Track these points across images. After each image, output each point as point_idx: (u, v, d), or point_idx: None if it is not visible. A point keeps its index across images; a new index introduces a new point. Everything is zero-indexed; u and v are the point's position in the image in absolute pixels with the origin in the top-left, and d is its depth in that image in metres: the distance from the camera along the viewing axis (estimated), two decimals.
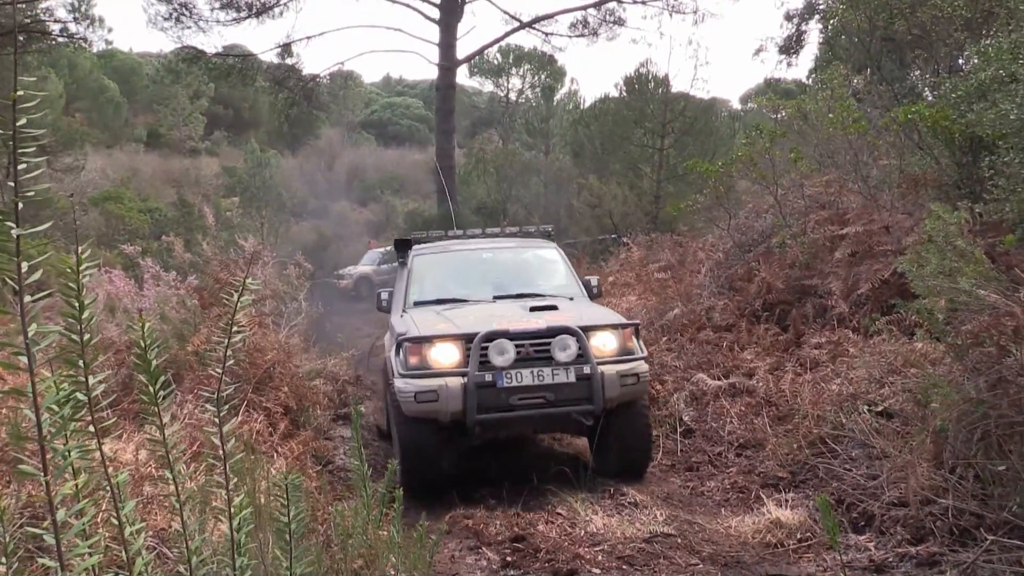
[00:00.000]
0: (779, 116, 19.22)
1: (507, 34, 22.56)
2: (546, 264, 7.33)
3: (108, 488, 1.40)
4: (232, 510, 1.56)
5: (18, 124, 1.00)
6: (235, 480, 1.62)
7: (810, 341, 7.04)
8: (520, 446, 6.99)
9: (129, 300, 6.42)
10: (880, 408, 5.08)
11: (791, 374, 6.58)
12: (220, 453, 1.60)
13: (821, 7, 19.35)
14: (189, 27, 20.15)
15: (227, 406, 6.34)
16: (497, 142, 30.63)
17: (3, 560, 1.74)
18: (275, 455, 5.22)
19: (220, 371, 1.58)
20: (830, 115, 8.86)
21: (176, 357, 5.93)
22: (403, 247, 7.40)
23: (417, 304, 6.58)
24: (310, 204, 28.18)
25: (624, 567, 4.26)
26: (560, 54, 55.27)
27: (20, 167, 1.01)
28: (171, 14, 20.04)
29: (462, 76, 40.10)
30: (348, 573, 2.12)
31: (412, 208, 25.18)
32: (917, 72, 13.10)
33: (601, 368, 5.50)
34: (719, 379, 7.13)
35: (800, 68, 45.54)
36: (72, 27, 20.75)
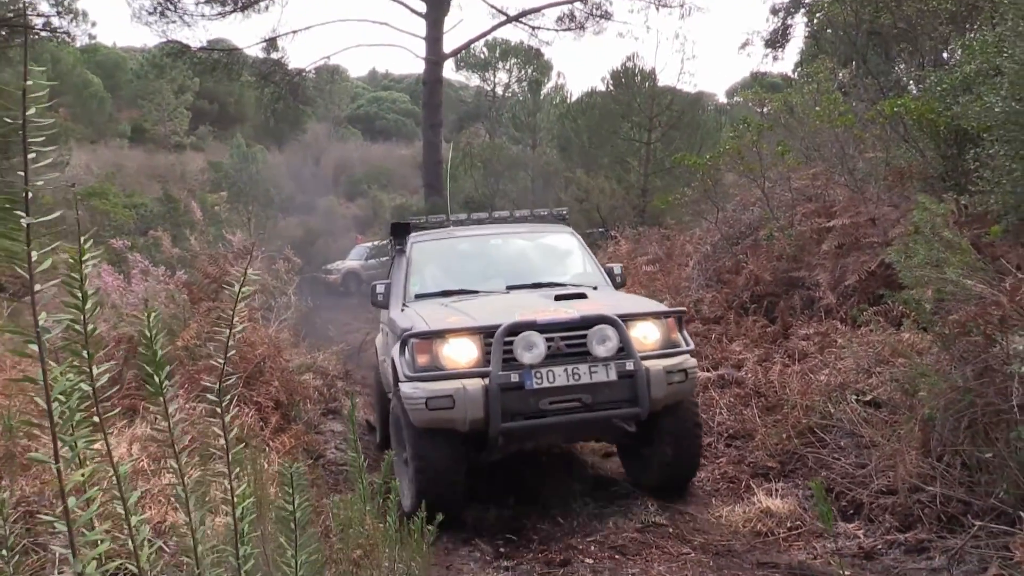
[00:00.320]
0: (765, 110, 19.36)
1: (494, 28, 22.56)
2: (563, 250, 6.55)
3: (111, 479, 1.41)
4: (235, 499, 1.57)
5: (27, 113, 1.01)
6: (237, 470, 1.63)
7: (798, 332, 7.09)
8: (531, 460, 6.16)
9: (118, 295, 6.39)
10: (868, 398, 5.13)
11: (779, 365, 6.63)
12: (222, 443, 1.61)
13: (807, 1, 19.43)
14: (174, 21, 20.02)
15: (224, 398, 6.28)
16: (484, 136, 30.62)
17: (3, 553, 1.75)
18: (267, 449, 5.22)
19: (223, 360, 1.59)
20: (817, 108, 8.91)
21: (167, 352, 5.90)
22: (401, 233, 6.56)
23: (419, 297, 5.82)
24: (297, 199, 28.07)
25: (617, 557, 4.29)
26: (547, 48, 55.29)
27: (29, 156, 1.02)
28: (155, 8, 19.90)
29: (448, 70, 40.12)
30: (348, 563, 2.13)
31: (400, 203, 25.12)
32: (902, 66, 13.19)
33: (645, 364, 4.73)
34: (708, 371, 7.17)
35: (786, 62, 45.82)
36: (55, 21, 20.59)
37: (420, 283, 6.00)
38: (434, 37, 20.65)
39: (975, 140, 7.19)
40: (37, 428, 1.34)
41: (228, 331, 1.64)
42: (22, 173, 1.05)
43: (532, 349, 4.61)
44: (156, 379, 1.54)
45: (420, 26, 20.88)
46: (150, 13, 20.00)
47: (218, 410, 1.61)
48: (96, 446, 1.44)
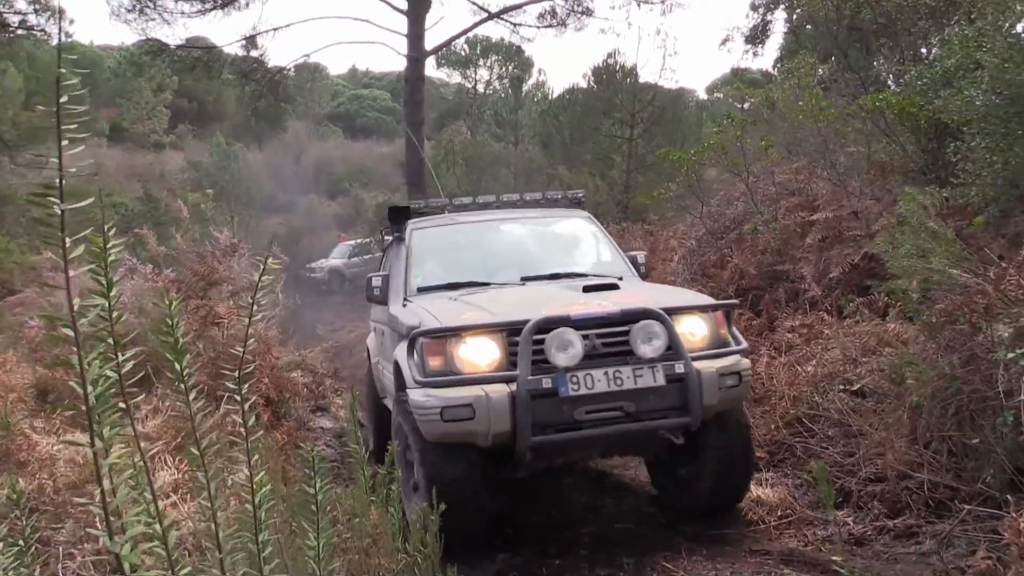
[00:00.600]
0: (745, 105, 19.52)
1: (475, 25, 22.49)
2: (581, 237, 5.89)
3: (137, 464, 1.43)
4: (254, 486, 1.59)
5: (61, 101, 1.03)
6: (256, 457, 1.65)
7: (784, 325, 7.17)
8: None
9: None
10: (855, 387, 5.21)
11: (766, 357, 6.70)
12: (241, 431, 1.63)
13: None
14: (153, 19, 19.81)
15: (206, 396, 6.24)
16: (466, 133, 30.63)
17: (21, 542, 1.76)
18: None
19: (242, 349, 1.61)
20: (799, 103, 9.00)
21: (156, 351, 5.89)
22: (399, 218, 5.81)
23: (422, 291, 5.20)
24: (278, 198, 27.96)
25: (611, 547, 4.34)
26: (528, 45, 55.37)
27: (63, 143, 1.03)
28: (134, 6, 19.69)
29: (429, 67, 39.98)
30: (359, 551, 2.16)
31: (382, 200, 25.06)
32: (882, 61, 13.34)
33: (695, 365, 4.10)
34: None
35: (766, 58, 46.08)
36: (32, 19, 20.37)
37: (422, 275, 5.36)
38: (416, 34, 20.57)
39: (955, 134, 7.30)
40: (34, 419, 1.35)
41: (248, 320, 1.66)
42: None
43: (567, 349, 3.94)
44: (177, 367, 1.56)
45: (402, 23, 20.82)
46: (129, 11, 19.79)
47: (237, 398, 1.63)
48: (129, 430, 1.46)
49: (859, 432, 4.81)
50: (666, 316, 4.10)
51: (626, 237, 12.51)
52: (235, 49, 21.90)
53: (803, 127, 9.48)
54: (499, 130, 30.12)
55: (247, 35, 20.97)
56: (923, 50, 12.07)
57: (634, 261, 5.70)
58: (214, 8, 20.52)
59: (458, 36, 23.46)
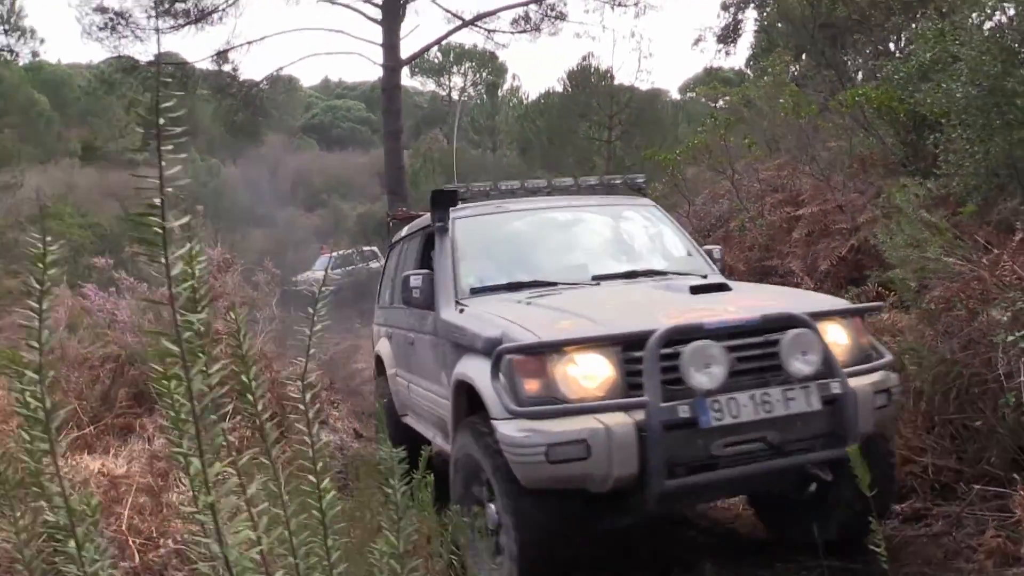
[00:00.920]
0: (720, 104, 19.74)
1: (450, 32, 22.57)
2: (651, 228, 5.07)
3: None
4: (321, 492, 1.64)
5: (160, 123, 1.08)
6: (326, 481, 1.69)
7: None
8: None
9: (103, 315, 6.35)
10: None
11: None
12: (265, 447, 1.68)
13: None
14: (126, 36, 19.74)
15: (218, 412, 6.25)
16: (443, 141, 30.69)
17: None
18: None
19: (305, 358, 1.65)
20: (780, 101, 9.15)
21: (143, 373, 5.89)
22: (443, 204, 4.80)
23: (477, 292, 4.37)
24: (257, 211, 27.87)
25: (624, 540, 4.40)
26: (501, 51, 55.45)
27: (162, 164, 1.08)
28: (107, 24, 19.62)
29: (403, 76, 40.02)
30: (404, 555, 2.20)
31: (362, 211, 25.08)
32: (856, 56, 13.57)
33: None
34: None
35: (738, 57, 46.61)
36: (2, 39, 20.23)
37: (474, 273, 4.52)
38: (391, 43, 20.62)
39: (933, 126, 7.47)
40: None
41: (309, 332, 1.71)
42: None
43: (710, 366, 3.16)
44: (246, 379, 1.60)
45: (376, 33, 20.86)
46: (101, 29, 19.72)
47: (304, 411, 1.67)
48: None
49: None
50: (813, 323, 3.36)
51: None
52: (208, 64, 21.86)
53: (782, 124, 9.65)
54: (476, 136, 30.21)
55: (221, 49, 20.94)
56: (892, 45, 12.32)
57: (710, 255, 4.94)
58: (187, 23, 20.48)
59: (433, 44, 23.51)
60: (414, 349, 5.08)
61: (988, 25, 6.95)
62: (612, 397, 3.18)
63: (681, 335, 3.21)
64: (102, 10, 19.57)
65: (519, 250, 4.76)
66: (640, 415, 3.09)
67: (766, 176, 9.32)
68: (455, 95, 38.40)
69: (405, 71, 23.16)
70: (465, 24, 21.93)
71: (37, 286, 1.33)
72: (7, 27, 19.32)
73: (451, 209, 4.85)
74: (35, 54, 40.46)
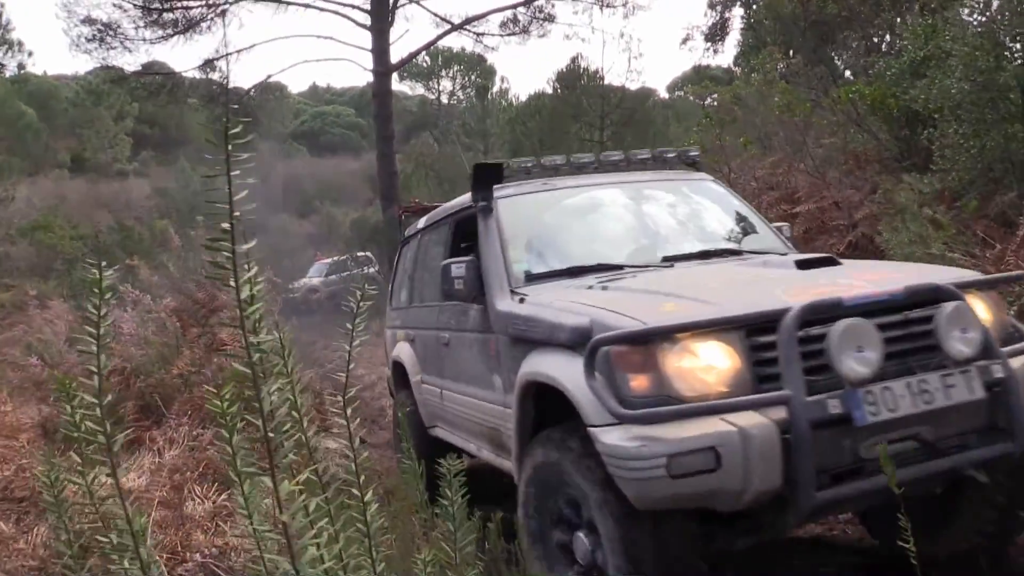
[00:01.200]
0: (708, 102, 19.84)
1: (439, 37, 22.59)
2: (716, 204, 4.53)
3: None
4: (365, 504, 1.66)
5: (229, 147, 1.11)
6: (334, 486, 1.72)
7: None
8: None
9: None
10: None
11: None
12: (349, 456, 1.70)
13: None
14: (114, 47, 19.67)
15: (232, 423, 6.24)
16: (433, 145, 30.72)
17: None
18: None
19: (346, 373, 1.68)
20: (775, 99, 9.22)
21: (163, 381, 5.91)
22: (486, 180, 4.25)
23: (533, 279, 3.81)
24: (249, 219, 27.79)
25: None
26: (491, 53, 55.51)
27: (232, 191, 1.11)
28: (95, 35, 19.54)
29: (392, 81, 40.04)
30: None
31: (355, 217, 25.05)
32: (844, 53, 13.66)
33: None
34: None
35: (726, 55, 46.73)
36: None
37: (527, 257, 4.01)
38: (381, 49, 20.63)
39: (926, 121, 7.55)
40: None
41: (348, 347, 1.73)
42: None
43: (863, 350, 2.60)
44: (292, 397, 1.62)
45: (366, 39, 20.87)
46: (89, 40, 19.65)
47: (347, 426, 1.70)
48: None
49: None
50: (963, 296, 2.82)
51: None
52: (196, 73, 21.83)
53: (775, 121, 9.72)
54: (468, 139, 30.25)
55: (210, 58, 20.92)
56: (877, 40, 12.41)
57: (780, 232, 4.47)
58: (176, 33, 20.43)
59: (423, 49, 23.54)
60: (450, 351, 4.52)
61: (976, 18, 7.02)
62: (737, 393, 2.60)
63: (819, 313, 2.66)
64: (90, 21, 19.51)
65: (574, 231, 4.22)
66: (777, 413, 2.53)
67: (761, 174, 9.38)
68: (444, 99, 38.47)
69: (394, 76, 23.15)
70: (454, 28, 21.97)
71: (94, 311, 1.35)
72: None
73: (500, 186, 4.29)
74: (21, 66, 40.43)
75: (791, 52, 14.61)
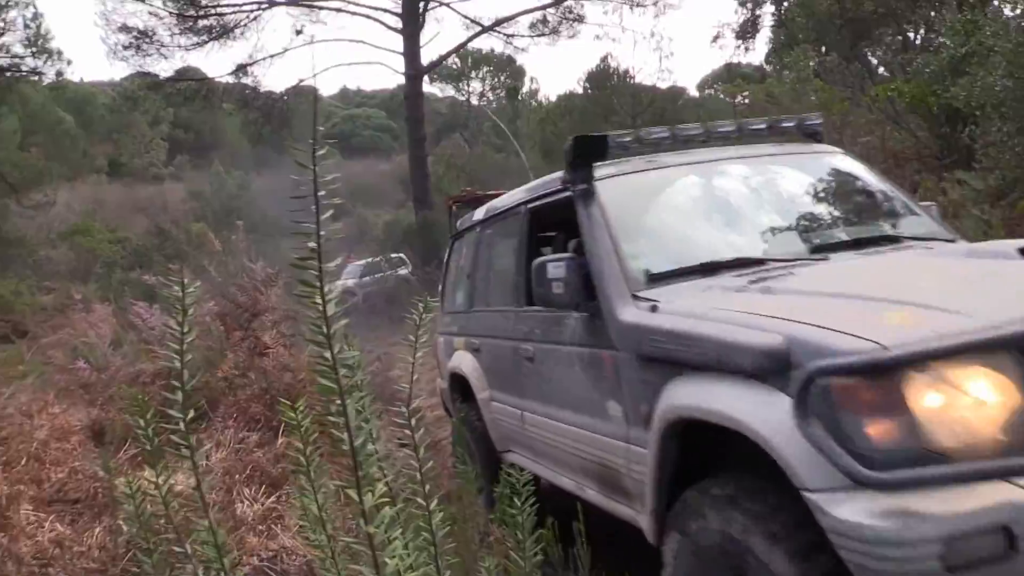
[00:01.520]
0: (739, 101, 19.73)
1: (470, 39, 22.74)
2: (856, 183, 3.74)
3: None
4: (431, 513, 1.70)
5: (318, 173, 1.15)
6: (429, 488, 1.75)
7: None
8: None
9: (154, 331, 6.49)
10: None
11: None
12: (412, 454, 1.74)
13: None
14: (150, 54, 20.04)
15: (262, 428, 6.26)
16: (464, 146, 30.84)
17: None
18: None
19: (410, 385, 1.71)
20: (812, 97, 9.16)
21: (208, 384, 6.01)
22: (587, 157, 3.44)
23: (658, 279, 2.99)
24: (283, 222, 28.16)
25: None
26: (521, 54, 55.62)
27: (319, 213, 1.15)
28: (131, 43, 19.91)
29: (423, 83, 40.32)
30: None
31: (388, 218, 25.23)
32: (878, 50, 13.51)
33: None
34: None
35: (758, 52, 46.40)
36: (30, 61, 20.61)
37: (644, 252, 3.21)
38: (412, 52, 20.78)
39: (967, 119, 7.46)
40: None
41: (412, 359, 1.76)
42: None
43: None
44: (360, 408, 1.66)
45: (397, 42, 21.03)
46: (126, 48, 20.02)
47: (411, 437, 1.73)
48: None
49: None
50: None
51: None
52: (229, 78, 22.14)
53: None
54: (499, 140, 30.31)
55: (244, 64, 21.19)
56: (913, 36, 12.26)
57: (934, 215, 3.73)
58: (210, 40, 20.74)
59: (454, 51, 23.70)
60: (535, 367, 3.79)
61: (1020, 13, 6.93)
62: (1021, 443, 1.87)
63: None
64: (126, 29, 19.87)
65: (696, 218, 3.52)
66: None
67: None
68: (474, 100, 38.60)
69: (425, 78, 23.30)
70: (484, 30, 22.08)
71: (176, 328, 1.40)
72: (35, 50, 19.64)
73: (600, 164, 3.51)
74: (59, 73, 41.16)
75: (823, 49, 14.51)
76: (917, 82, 8.09)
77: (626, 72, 20.77)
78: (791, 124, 4.01)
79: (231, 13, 20.25)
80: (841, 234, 3.36)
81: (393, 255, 21.34)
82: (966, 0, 9.29)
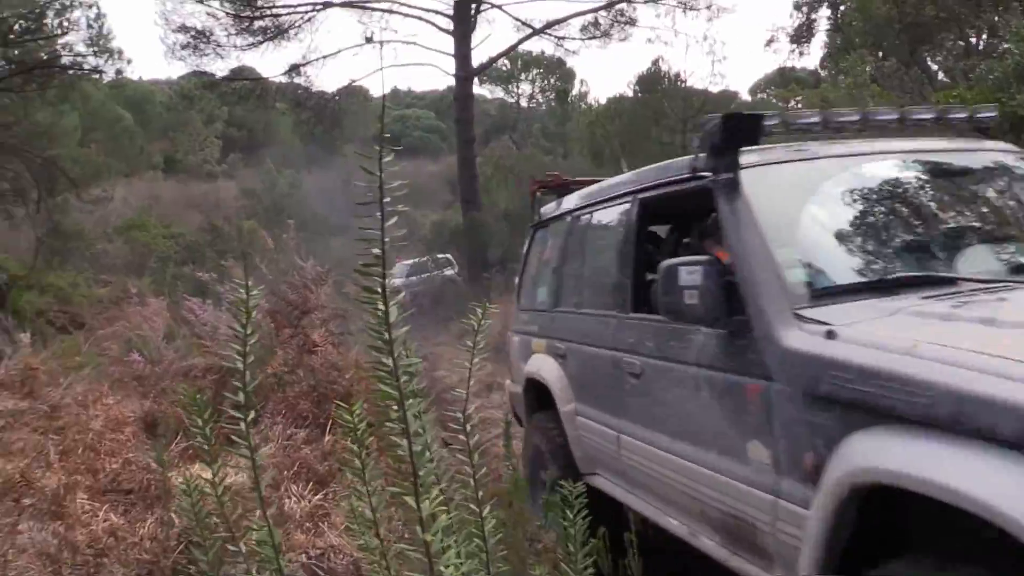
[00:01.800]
0: (792, 105, 19.43)
1: (520, 41, 22.77)
2: None
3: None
4: (483, 519, 1.69)
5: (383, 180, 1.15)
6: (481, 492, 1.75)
7: None
8: None
9: (206, 327, 6.61)
10: None
11: None
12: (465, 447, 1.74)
13: None
14: (207, 54, 20.46)
15: (309, 425, 6.33)
16: (513, 148, 30.90)
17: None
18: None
19: (466, 391, 1.71)
20: (869, 102, 8.98)
21: (258, 380, 6.10)
22: (736, 140, 2.79)
23: (823, 294, 2.47)
24: (333, 221, 28.49)
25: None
26: (570, 57, 55.53)
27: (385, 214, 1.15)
28: (188, 43, 20.35)
29: (473, 85, 40.54)
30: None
31: (436, 219, 25.37)
32: (937, 55, 13.21)
33: None
34: None
35: (812, 57, 45.77)
36: (92, 60, 21.14)
37: (802, 260, 2.64)
38: (463, 53, 20.88)
39: None
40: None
41: (469, 365, 1.76)
42: None
43: None
44: (413, 414, 1.66)
45: (448, 43, 21.15)
46: (183, 47, 20.46)
47: (466, 442, 1.73)
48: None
49: None
50: None
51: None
52: (282, 78, 22.49)
53: None
54: (547, 143, 30.33)
55: (298, 64, 21.49)
56: (974, 42, 11.95)
57: None
58: (265, 40, 21.09)
59: (505, 53, 23.78)
60: (643, 385, 3.30)
61: None
62: None
63: None
64: (184, 29, 20.30)
65: (865, 221, 2.89)
66: None
67: None
68: (523, 102, 38.67)
69: (474, 79, 23.41)
70: (535, 32, 22.09)
71: (240, 329, 1.42)
72: (96, 49, 20.14)
73: (747, 150, 2.86)
74: (119, 72, 42.19)
75: (881, 54, 14.23)
76: (980, 89, 7.88)
77: (677, 75, 20.58)
78: (962, 115, 3.39)
79: (286, 14, 20.59)
80: None
81: (440, 255, 21.48)
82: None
